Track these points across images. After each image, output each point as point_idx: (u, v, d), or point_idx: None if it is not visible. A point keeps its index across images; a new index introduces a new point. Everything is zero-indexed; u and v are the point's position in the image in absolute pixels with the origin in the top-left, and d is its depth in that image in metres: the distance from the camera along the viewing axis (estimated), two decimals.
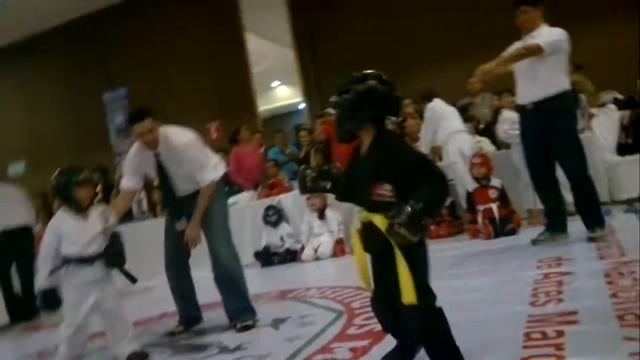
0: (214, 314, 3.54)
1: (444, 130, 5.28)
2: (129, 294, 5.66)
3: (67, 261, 2.79)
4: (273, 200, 5.92)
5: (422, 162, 1.86)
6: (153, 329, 3.74)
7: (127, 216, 6.71)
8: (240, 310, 3.28)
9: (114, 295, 2.91)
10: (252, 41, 9.10)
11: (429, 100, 5.43)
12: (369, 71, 1.90)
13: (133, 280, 2.97)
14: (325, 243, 5.34)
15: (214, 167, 3.37)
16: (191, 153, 3.28)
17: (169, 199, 3.49)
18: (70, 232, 2.81)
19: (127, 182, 3.42)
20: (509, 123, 4.97)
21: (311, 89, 8.72)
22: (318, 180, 1.99)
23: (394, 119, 6.57)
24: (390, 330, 2.12)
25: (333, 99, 1.93)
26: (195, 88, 9.17)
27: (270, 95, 14.28)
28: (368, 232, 1.89)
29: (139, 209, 6.68)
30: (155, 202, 6.63)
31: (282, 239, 5.69)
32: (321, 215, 5.49)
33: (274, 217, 5.74)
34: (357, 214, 1.96)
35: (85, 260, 2.78)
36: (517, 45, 3.81)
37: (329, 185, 2.00)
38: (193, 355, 2.92)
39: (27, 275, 5.03)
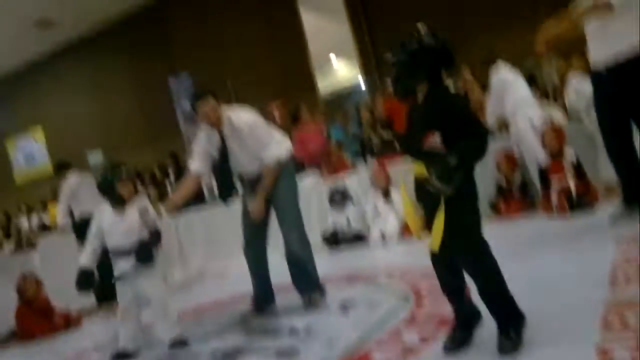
0: (287, 296, 3.62)
1: (511, 99, 4.94)
2: (202, 277, 5.94)
3: (109, 252, 3.10)
4: (338, 181, 5.90)
5: (469, 115, 2.02)
6: (226, 311, 3.89)
7: (199, 200, 6.97)
8: (308, 289, 3.43)
9: (156, 285, 3.15)
10: (308, 19, 9.03)
11: (492, 65, 5.11)
12: (421, 28, 1.99)
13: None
14: (391, 224, 5.26)
15: (277, 146, 3.42)
16: (255, 132, 3.37)
17: (228, 181, 3.54)
18: (107, 226, 3.10)
19: (194, 165, 3.49)
20: (574, 93, 4.68)
21: (369, 64, 8.59)
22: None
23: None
24: (447, 287, 2.14)
25: (390, 57, 2.03)
26: (255, 70, 9.25)
27: (329, 74, 14.20)
28: (421, 186, 2.00)
29: (211, 194, 6.86)
30: None
31: (348, 220, 5.66)
32: (386, 195, 5.43)
33: (339, 198, 5.73)
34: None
35: (122, 253, 3.06)
36: (586, 3, 3.48)
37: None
38: (264, 338, 3.01)
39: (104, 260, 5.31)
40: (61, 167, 6.07)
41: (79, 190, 5.74)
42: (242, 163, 3.43)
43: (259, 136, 3.36)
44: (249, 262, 3.58)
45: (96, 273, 3.23)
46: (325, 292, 3.47)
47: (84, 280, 3.12)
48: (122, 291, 3.15)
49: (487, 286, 1.99)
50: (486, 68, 5.14)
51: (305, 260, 3.45)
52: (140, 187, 8.37)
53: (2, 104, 12.30)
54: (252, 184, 3.47)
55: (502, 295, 2.00)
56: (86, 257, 3.14)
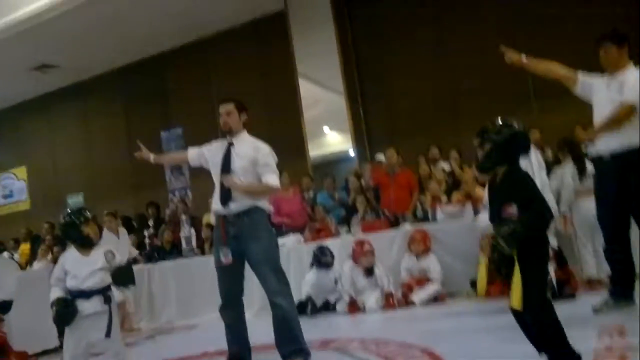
0: (263, 357, 3.48)
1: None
2: (172, 330, 5.73)
3: (70, 294, 2.97)
4: (323, 242, 5.67)
5: (535, 197, 2.38)
6: None
7: (175, 252, 6.83)
8: (293, 351, 3.28)
9: (114, 331, 3.00)
10: (305, 87, 9.24)
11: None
12: (508, 120, 2.45)
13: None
14: (373, 297, 5.05)
15: (273, 179, 3.42)
16: (267, 156, 3.43)
17: (224, 195, 3.41)
18: (71, 267, 3.01)
19: (190, 151, 3.67)
20: (561, 181, 4.76)
21: (360, 135, 8.77)
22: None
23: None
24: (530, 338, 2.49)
25: (485, 135, 2.42)
26: (249, 131, 9.30)
27: (320, 140, 14.44)
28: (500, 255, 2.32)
29: (188, 246, 6.74)
30: (204, 239, 6.69)
31: (336, 281, 5.29)
32: (368, 273, 5.16)
33: (329, 258, 5.32)
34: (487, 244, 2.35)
35: (83, 294, 2.94)
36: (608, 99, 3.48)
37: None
38: None
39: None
40: None
41: None
42: (238, 174, 3.38)
43: (268, 159, 3.42)
44: (226, 320, 3.45)
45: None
46: (310, 355, 3.31)
47: (63, 311, 2.92)
48: (74, 337, 2.96)
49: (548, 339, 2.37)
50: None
51: (292, 318, 3.33)
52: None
53: None
54: (230, 223, 3.35)
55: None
56: (51, 299, 2.98)
